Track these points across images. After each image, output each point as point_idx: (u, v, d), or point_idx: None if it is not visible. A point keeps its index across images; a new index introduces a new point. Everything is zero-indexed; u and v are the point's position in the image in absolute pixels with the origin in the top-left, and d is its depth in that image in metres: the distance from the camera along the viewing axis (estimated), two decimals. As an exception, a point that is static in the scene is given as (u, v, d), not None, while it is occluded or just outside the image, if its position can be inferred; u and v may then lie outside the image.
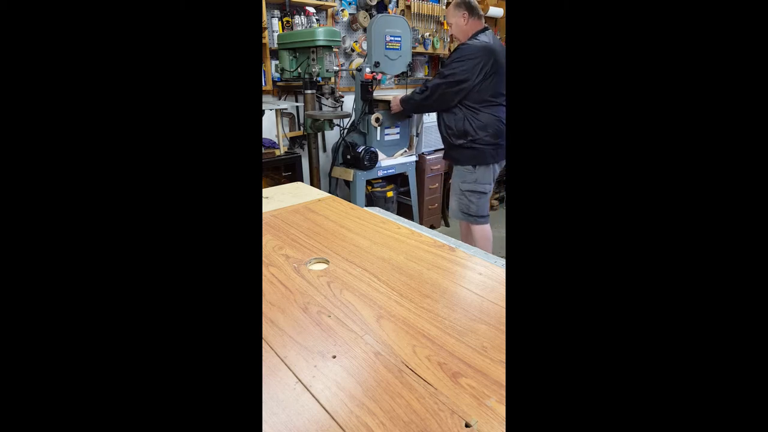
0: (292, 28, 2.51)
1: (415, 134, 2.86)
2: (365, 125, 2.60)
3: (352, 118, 2.63)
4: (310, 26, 2.50)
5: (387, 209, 2.73)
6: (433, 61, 3.64)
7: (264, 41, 2.43)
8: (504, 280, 0.75)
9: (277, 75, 2.54)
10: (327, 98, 2.49)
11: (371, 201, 2.81)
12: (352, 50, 3.03)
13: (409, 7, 3.10)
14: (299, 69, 2.21)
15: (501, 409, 0.47)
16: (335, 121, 2.65)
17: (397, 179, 2.95)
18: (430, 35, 3.26)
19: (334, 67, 2.36)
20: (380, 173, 2.67)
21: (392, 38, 2.41)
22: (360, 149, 2.51)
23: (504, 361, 0.55)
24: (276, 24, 2.54)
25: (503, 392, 0.50)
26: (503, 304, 0.68)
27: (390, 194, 2.83)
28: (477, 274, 0.78)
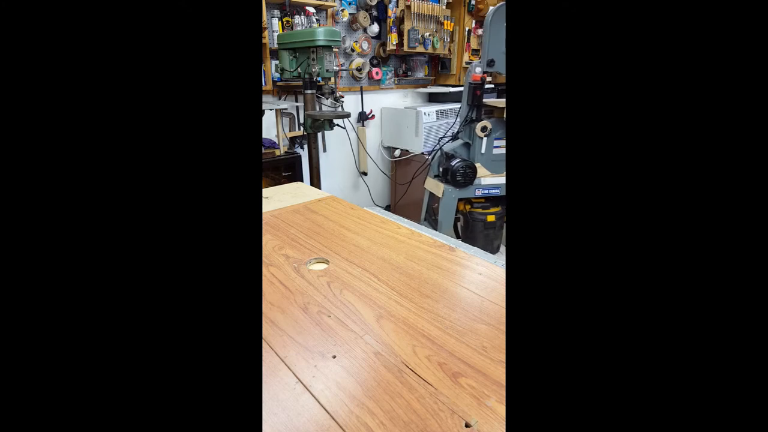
0: (292, 28, 2.51)
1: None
2: (470, 134, 2.17)
3: (456, 124, 2.14)
4: (310, 26, 2.50)
5: (486, 237, 2.19)
6: (433, 61, 3.63)
7: (264, 41, 2.43)
8: (504, 280, 0.75)
9: (277, 75, 2.54)
10: (327, 98, 2.49)
11: (467, 223, 2.26)
12: (352, 50, 3.03)
13: (409, 6, 3.10)
14: (299, 69, 2.21)
15: (501, 409, 0.47)
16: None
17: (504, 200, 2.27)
18: (430, 35, 3.26)
19: (334, 67, 2.35)
20: (478, 192, 2.15)
21: None
22: (456, 161, 2.09)
23: (504, 361, 0.55)
24: (276, 24, 2.54)
25: (503, 392, 0.50)
26: (503, 304, 0.68)
27: (491, 218, 2.22)
28: (477, 274, 0.78)
